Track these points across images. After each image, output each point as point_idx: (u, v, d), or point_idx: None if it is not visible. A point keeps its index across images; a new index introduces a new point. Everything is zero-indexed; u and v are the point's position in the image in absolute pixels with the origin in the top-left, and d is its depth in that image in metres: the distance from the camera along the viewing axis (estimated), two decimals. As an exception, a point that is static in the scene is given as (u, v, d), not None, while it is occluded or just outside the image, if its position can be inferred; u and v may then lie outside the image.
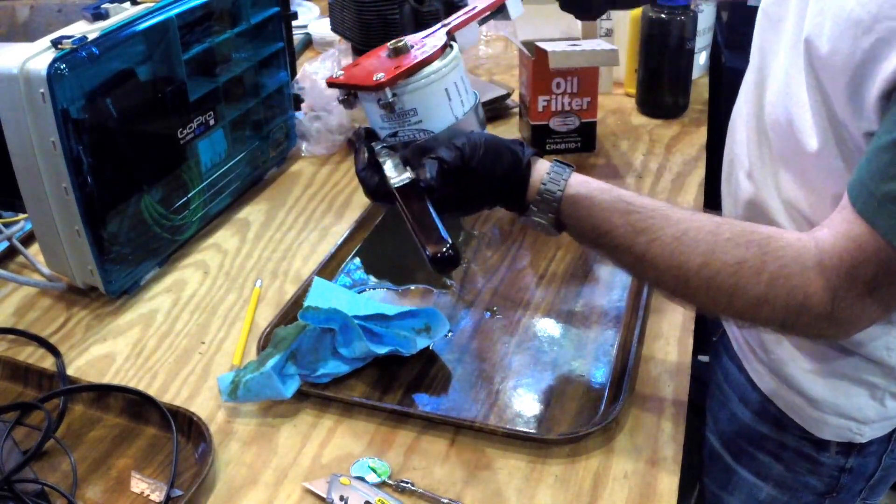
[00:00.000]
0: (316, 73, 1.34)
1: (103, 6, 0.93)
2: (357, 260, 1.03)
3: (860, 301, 0.62)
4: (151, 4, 0.96)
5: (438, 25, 0.78)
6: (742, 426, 0.91)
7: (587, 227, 0.69)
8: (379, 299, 0.95)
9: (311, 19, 1.75)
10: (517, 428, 0.77)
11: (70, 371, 0.86)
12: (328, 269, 0.99)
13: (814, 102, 0.69)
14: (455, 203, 0.72)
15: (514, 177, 0.70)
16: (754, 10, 0.84)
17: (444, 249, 0.66)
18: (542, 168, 0.71)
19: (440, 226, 0.68)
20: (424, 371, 0.84)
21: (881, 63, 0.59)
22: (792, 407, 0.85)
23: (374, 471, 0.73)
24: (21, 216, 1.08)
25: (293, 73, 1.32)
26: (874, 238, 0.59)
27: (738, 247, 0.65)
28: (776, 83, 0.76)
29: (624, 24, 1.43)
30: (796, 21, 0.71)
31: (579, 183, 0.70)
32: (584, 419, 0.77)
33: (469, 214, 0.78)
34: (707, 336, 1.11)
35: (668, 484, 0.72)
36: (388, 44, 0.75)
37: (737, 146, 0.85)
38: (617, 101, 1.43)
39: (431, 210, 0.69)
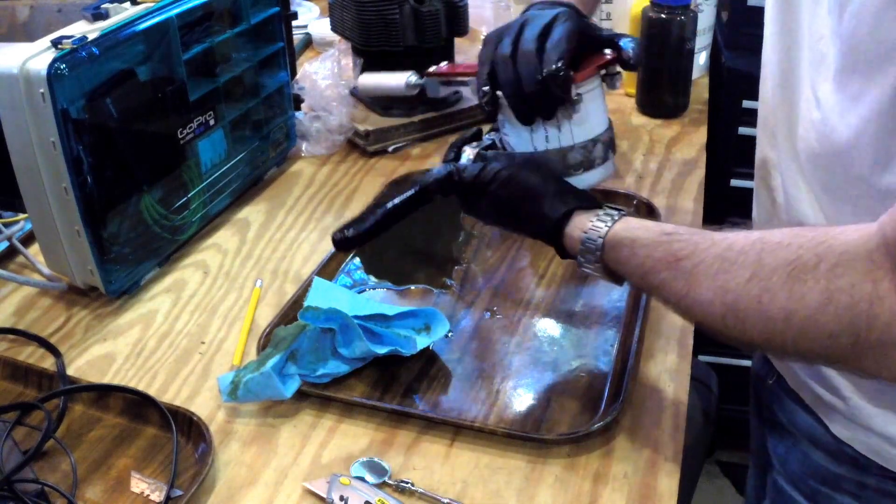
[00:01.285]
0: (316, 73, 1.34)
1: (103, 6, 0.93)
2: (357, 260, 1.03)
3: None
4: (151, 4, 0.96)
5: None
6: (816, 467, 0.85)
7: (633, 269, 0.66)
8: (379, 299, 0.95)
9: (311, 19, 1.75)
10: (517, 428, 0.77)
11: (70, 371, 0.86)
12: (328, 269, 0.99)
13: (859, 120, 0.64)
14: (491, 218, 0.74)
15: (541, 228, 0.70)
16: (754, 9, 0.84)
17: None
18: (586, 218, 0.69)
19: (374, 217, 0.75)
20: (424, 371, 0.84)
21: None
22: (874, 450, 0.78)
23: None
24: (21, 216, 1.08)
25: (293, 73, 1.32)
26: None
27: (788, 247, 0.57)
28: (807, 111, 0.71)
29: (624, 25, 1.43)
30: (813, 37, 0.68)
31: (622, 228, 0.67)
32: (584, 419, 0.77)
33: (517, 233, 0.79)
34: (712, 342, 1.10)
35: (668, 484, 0.72)
36: None
37: (774, 190, 0.79)
38: (617, 101, 1.43)
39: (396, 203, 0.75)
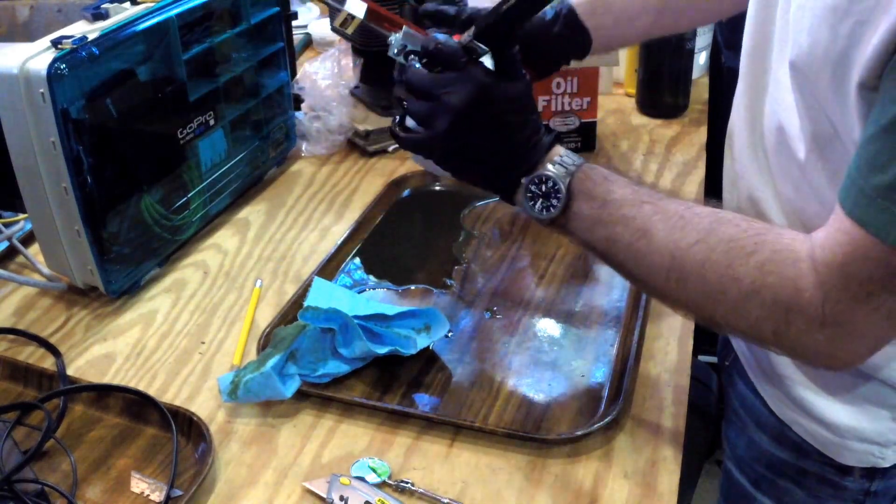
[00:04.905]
0: (316, 73, 1.34)
1: (103, 6, 0.93)
2: (357, 260, 1.03)
3: (855, 307, 0.57)
4: (151, 4, 0.96)
5: None
6: (760, 452, 0.88)
7: (599, 193, 0.68)
8: (379, 299, 0.95)
9: (311, 19, 1.75)
10: (517, 428, 0.77)
11: (70, 371, 0.86)
12: (328, 269, 0.99)
13: (800, 107, 0.66)
14: (467, 145, 0.71)
15: (532, 141, 0.71)
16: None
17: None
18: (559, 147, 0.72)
19: None
20: (424, 371, 0.84)
21: (859, 48, 0.56)
22: (811, 433, 0.80)
23: (374, 471, 0.73)
24: (21, 216, 1.08)
25: (293, 73, 1.32)
26: (866, 236, 0.55)
27: (736, 227, 0.63)
28: (768, 91, 0.73)
29: (624, 24, 1.43)
30: (781, 23, 0.69)
31: (595, 166, 0.71)
32: (584, 419, 0.77)
33: (470, 174, 0.74)
34: (712, 342, 1.10)
35: (668, 484, 0.72)
36: None
37: (737, 164, 0.81)
38: (617, 101, 1.43)
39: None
